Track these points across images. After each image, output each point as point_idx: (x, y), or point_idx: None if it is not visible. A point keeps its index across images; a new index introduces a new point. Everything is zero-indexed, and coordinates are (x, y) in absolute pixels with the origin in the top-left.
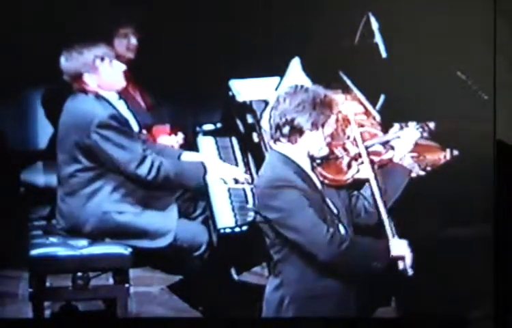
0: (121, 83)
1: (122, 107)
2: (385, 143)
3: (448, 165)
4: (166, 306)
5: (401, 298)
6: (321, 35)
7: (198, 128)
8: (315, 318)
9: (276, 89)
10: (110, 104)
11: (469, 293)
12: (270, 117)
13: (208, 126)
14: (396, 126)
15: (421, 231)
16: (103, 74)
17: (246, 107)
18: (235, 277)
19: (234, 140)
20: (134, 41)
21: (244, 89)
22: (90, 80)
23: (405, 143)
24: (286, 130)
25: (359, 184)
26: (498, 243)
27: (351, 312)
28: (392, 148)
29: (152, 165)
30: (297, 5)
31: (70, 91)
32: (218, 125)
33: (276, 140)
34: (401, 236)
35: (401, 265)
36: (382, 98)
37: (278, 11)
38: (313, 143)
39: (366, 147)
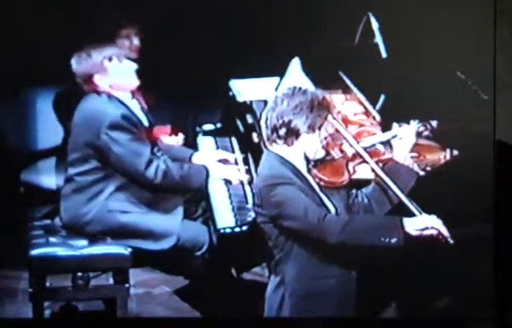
0: (134, 82)
1: (135, 107)
2: (384, 143)
3: (448, 165)
4: (166, 306)
5: (401, 298)
6: (321, 35)
7: (198, 128)
8: (315, 318)
9: (276, 89)
10: (123, 103)
11: (469, 293)
12: (267, 118)
13: (208, 126)
14: (396, 125)
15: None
16: (113, 74)
17: (246, 107)
18: (235, 277)
19: (234, 140)
20: (136, 42)
21: (244, 89)
22: (101, 82)
23: (405, 141)
24: (282, 131)
25: (358, 184)
26: (498, 243)
27: (351, 311)
28: (392, 147)
29: (157, 170)
30: (297, 5)
31: (82, 93)
32: (218, 125)
33: (272, 141)
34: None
35: (440, 239)
36: (382, 98)
37: (278, 11)
38: (309, 145)
39: (365, 148)
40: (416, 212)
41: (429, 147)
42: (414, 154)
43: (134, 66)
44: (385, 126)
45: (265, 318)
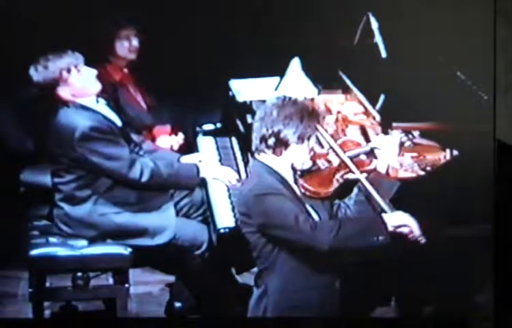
0: (95, 87)
1: (103, 109)
2: (368, 153)
3: (448, 165)
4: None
5: (401, 298)
6: (321, 35)
7: (198, 128)
8: (315, 318)
9: (276, 89)
10: (90, 110)
11: (469, 293)
12: (256, 128)
13: (208, 126)
14: (380, 135)
15: (421, 231)
16: (74, 84)
17: (246, 107)
18: (236, 276)
19: (234, 140)
20: (135, 43)
21: (244, 89)
22: (63, 93)
23: (388, 151)
24: (271, 142)
25: (342, 193)
26: (498, 243)
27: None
28: (376, 157)
29: (143, 168)
30: (297, 5)
31: (43, 99)
32: (218, 125)
33: (260, 151)
34: None
35: (411, 237)
36: (382, 98)
37: (278, 11)
38: (298, 156)
39: (350, 158)
40: (388, 209)
41: (429, 147)
42: (414, 154)
43: (94, 72)
44: (385, 126)
45: (264, 317)
